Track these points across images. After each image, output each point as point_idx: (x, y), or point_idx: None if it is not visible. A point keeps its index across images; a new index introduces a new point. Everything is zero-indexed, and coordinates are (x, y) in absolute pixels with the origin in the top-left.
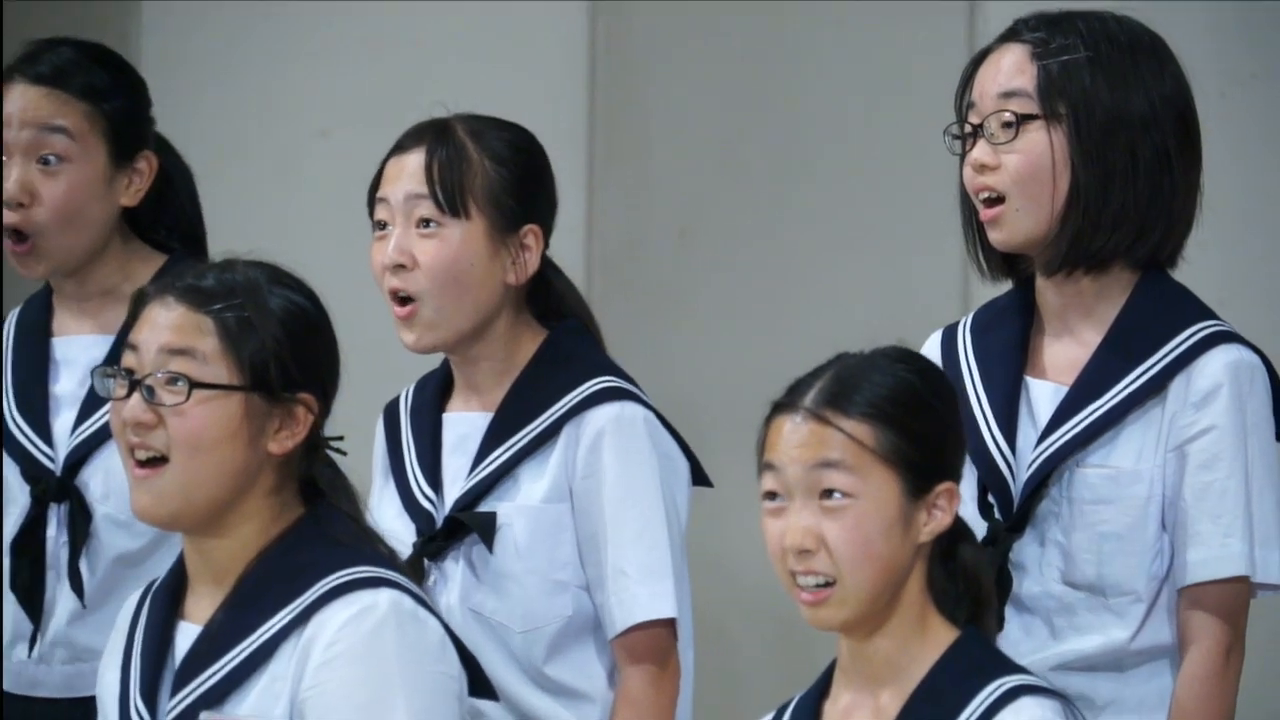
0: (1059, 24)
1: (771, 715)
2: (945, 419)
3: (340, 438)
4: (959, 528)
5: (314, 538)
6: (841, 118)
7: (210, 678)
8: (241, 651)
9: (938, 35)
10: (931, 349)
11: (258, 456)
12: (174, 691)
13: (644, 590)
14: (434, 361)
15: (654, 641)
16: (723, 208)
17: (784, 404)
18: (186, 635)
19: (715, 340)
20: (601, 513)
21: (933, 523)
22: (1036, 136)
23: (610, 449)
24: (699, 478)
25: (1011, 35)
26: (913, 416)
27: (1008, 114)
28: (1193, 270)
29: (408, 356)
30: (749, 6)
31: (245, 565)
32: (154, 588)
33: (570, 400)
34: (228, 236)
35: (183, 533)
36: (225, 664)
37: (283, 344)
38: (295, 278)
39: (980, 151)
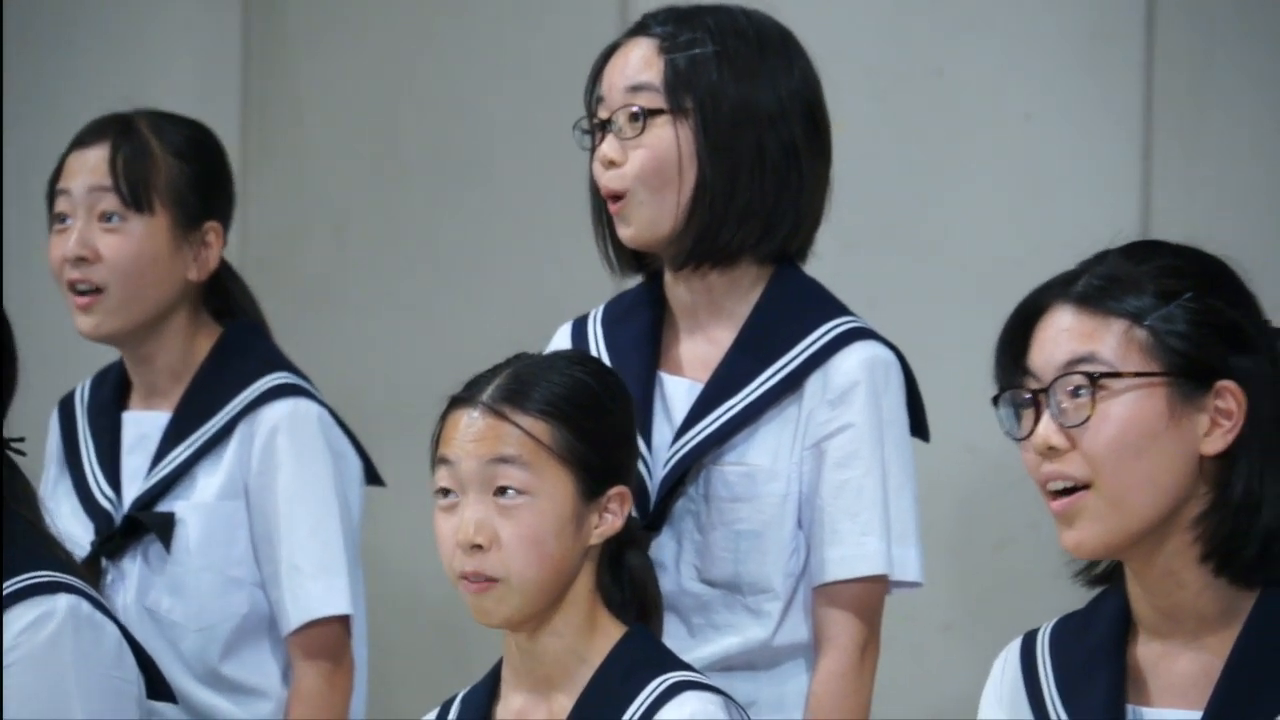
0: (687, 18)
1: (435, 713)
2: (619, 422)
3: (21, 439)
4: (628, 533)
5: None
6: (497, 112)
7: None
8: None
9: (592, 28)
10: (562, 341)
11: None
12: None
13: (318, 586)
14: (110, 355)
15: (328, 638)
16: (379, 203)
17: (461, 399)
18: None
19: (370, 338)
20: (276, 509)
21: (604, 525)
22: (663, 132)
23: (284, 446)
24: (371, 476)
25: (640, 29)
26: (589, 418)
27: (634, 108)
28: None
29: (82, 355)
30: (405, 0)
31: None
32: None
33: (244, 398)
34: None
35: None
36: None
37: None
38: None
39: (608, 147)
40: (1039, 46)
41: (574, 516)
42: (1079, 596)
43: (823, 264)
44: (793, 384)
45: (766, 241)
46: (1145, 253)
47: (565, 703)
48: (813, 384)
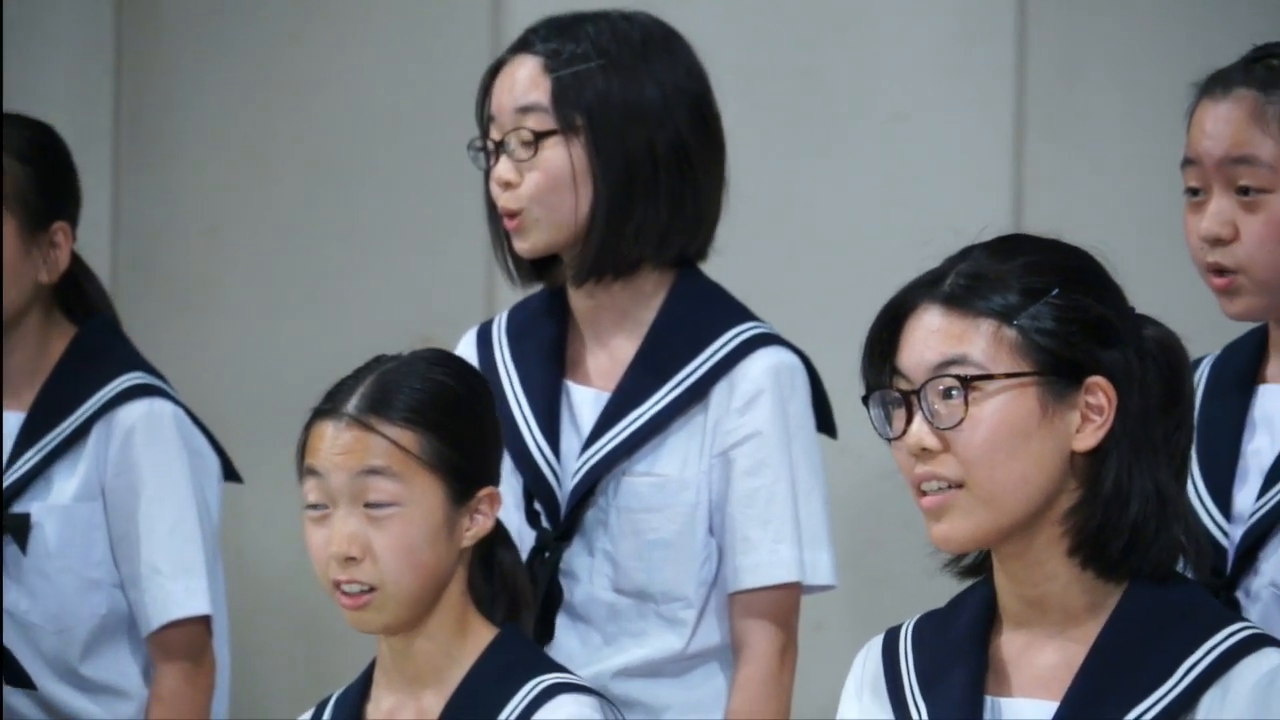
0: (569, 30)
1: (310, 713)
2: (485, 424)
3: None
4: (497, 531)
5: None
6: (370, 115)
7: None
8: None
9: (462, 30)
10: (466, 349)
11: None
12: None
13: (177, 587)
14: None
15: (188, 638)
16: (251, 205)
17: (325, 410)
18: None
19: (243, 338)
20: (134, 510)
21: (475, 527)
22: (555, 152)
23: (141, 446)
24: (229, 473)
25: (524, 46)
26: (454, 422)
27: (525, 132)
28: None
29: None
30: (279, 1)
31: None
32: None
33: (100, 398)
34: None
35: None
36: None
37: None
38: None
39: (503, 168)
40: (911, 46)
41: (445, 522)
42: (951, 595)
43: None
44: (699, 393)
45: (666, 248)
46: (1010, 248)
47: (436, 703)
48: (719, 392)
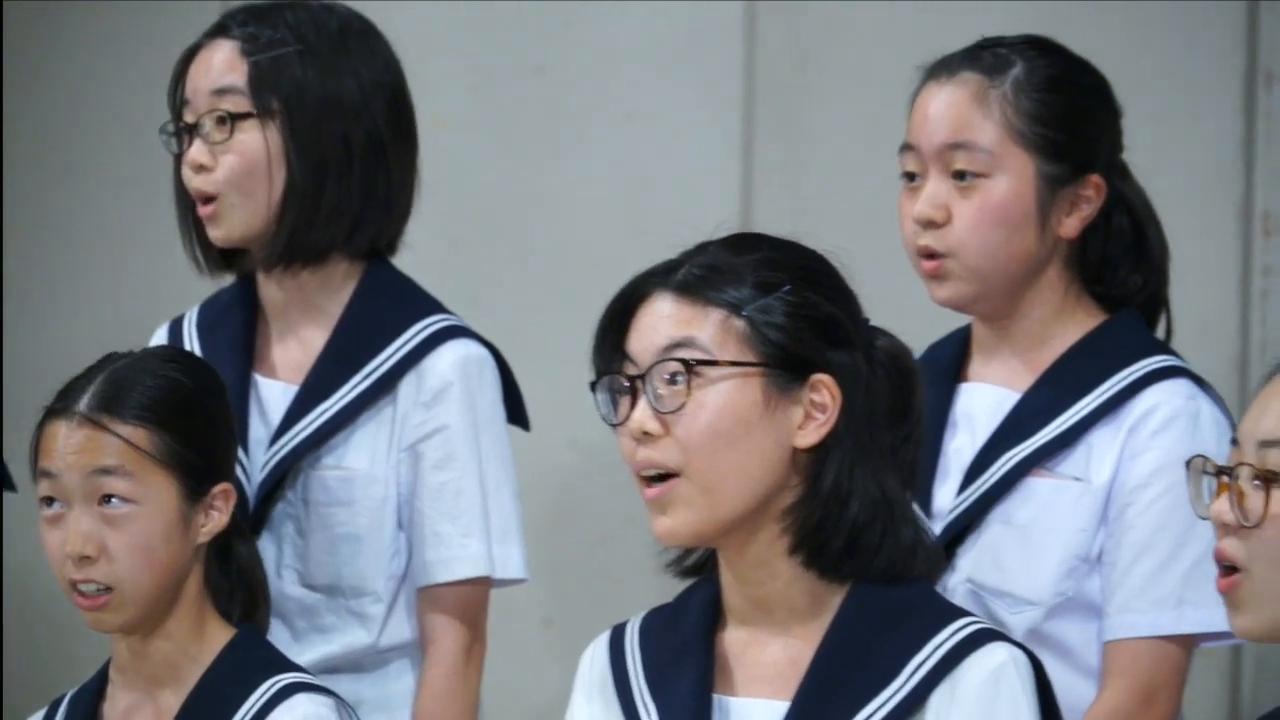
0: (268, 17)
1: (42, 713)
2: (218, 419)
3: None
4: (234, 525)
5: None
6: (93, 110)
7: None
8: None
9: (192, 30)
10: (158, 344)
11: None
12: None
13: None
14: None
15: None
16: None
17: (57, 409)
18: None
19: None
20: None
21: (210, 524)
22: (250, 135)
23: None
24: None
25: (221, 31)
26: (187, 418)
27: (220, 112)
28: None
29: None
30: None
31: None
32: None
33: None
34: None
35: None
36: None
37: None
38: None
39: (196, 151)
40: (640, 45)
41: (180, 519)
42: (678, 592)
43: (426, 261)
44: (387, 385)
45: (357, 237)
46: (746, 245)
47: (173, 701)
48: (406, 385)
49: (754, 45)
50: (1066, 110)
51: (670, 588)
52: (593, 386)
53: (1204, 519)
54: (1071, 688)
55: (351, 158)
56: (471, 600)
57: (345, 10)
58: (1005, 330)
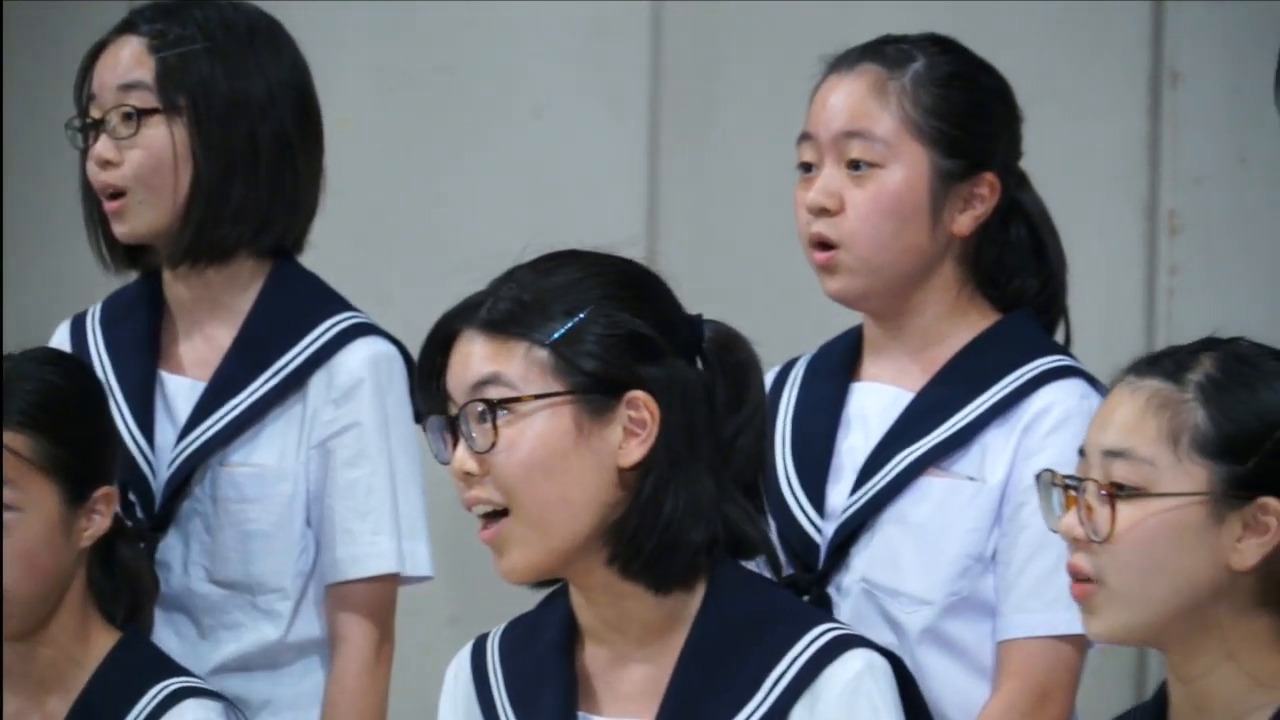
0: (175, 14)
1: None
2: (99, 422)
3: None
4: (118, 526)
5: None
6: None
7: None
8: None
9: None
10: (60, 340)
11: None
12: None
13: None
14: None
15: None
16: None
17: None
18: None
19: None
20: None
21: (93, 527)
22: (157, 131)
23: None
24: None
25: (128, 27)
26: (67, 423)
27: (127, 108)
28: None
29: None
30: None
31: None
32: None
33: None
34: None
35: None
36: None
37: None
38: None
39: (103, 147)
40: (545, 42)
41: (62, 524)
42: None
43: (332, 260)
44: (296, 382)
45: (263, 235)
46: (552, 266)
47: (60, 707)
48: (316, 382)
49: (660, 43)
50: (964, 107)
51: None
52: (423, 426)
53: (1055, 532)
54: (966, 687)
55: (258, 156)
56: (381, 598)
57: (253, 10)
58: (897, 329)
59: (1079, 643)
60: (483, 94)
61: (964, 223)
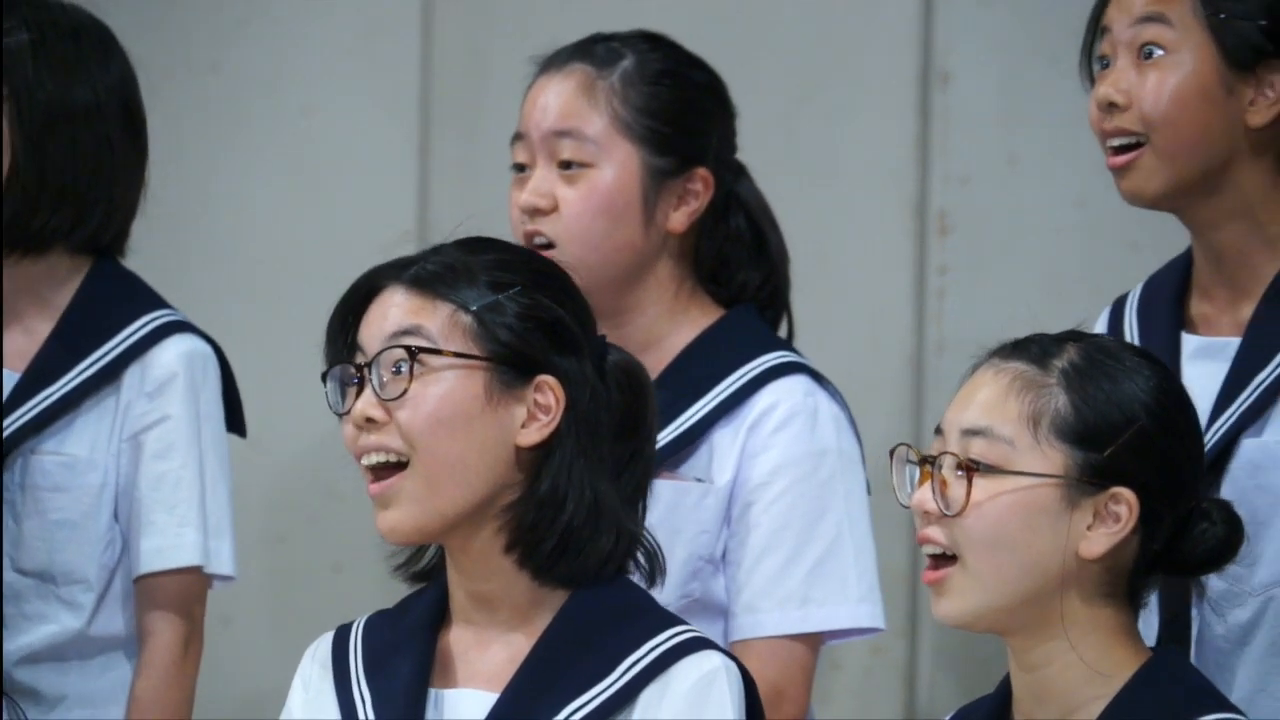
0: (4, 9)
1: None
2: None
3: None
4: None
5: None
6: None
7: None
8: None
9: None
10: None
11: None
12: None
13: None
14: None
15: None
16: None
17: None
18: None
19: None
20: None
21: None
22: None
23: None
24: None
25: None
26: None
27: None
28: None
29: None
30: None
31: None
32: None
33: None
34: None
35: None
36: None
37: None
38: None
39: None
40: (315, 41)
41: None
42: (360, 590)
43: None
44: (110, 375)
45: (79, 230)
46: (480, 246)
47: None
48: (131, 376)
49: (430, 40)
50: (674, 104)
51: (350, 587)
52: (323, 377)
53: (905, 507)
54: None
55: (78, 155)
56: (188, 592)
57: (82, 13)
58: (618, 331)
59: (811, 641)
60: (252, 92)
61: (679, 219)
